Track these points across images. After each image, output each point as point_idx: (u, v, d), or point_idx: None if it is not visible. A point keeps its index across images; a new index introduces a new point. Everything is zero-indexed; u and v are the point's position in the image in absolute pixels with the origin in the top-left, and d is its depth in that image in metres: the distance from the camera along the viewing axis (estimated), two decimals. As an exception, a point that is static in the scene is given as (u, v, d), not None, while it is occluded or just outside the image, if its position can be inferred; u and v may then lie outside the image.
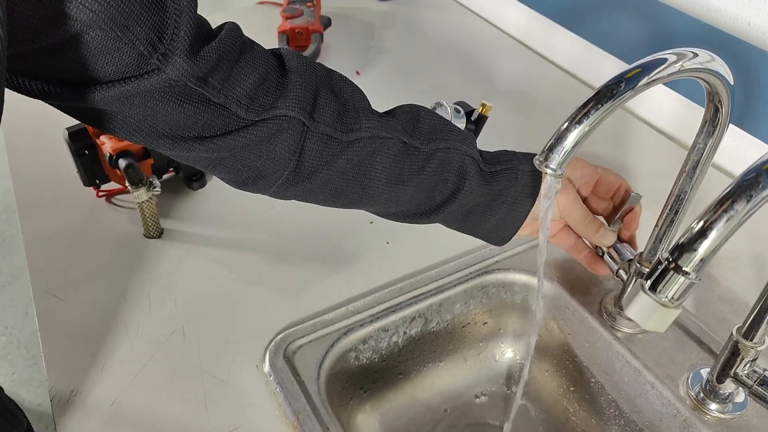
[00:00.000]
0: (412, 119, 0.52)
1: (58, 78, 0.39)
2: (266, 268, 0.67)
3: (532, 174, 0.54)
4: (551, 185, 0.45)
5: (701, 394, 0.55)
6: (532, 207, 0.54)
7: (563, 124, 0.41)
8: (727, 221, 0.34)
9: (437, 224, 0.58)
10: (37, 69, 0.38)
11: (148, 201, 0.68)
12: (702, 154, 0.49)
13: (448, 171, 0.52)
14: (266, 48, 0.48)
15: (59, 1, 0.33)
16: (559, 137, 0.41)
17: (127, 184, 0.67)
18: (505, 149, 0.57)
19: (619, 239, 0.60)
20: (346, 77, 0.51)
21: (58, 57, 0.37)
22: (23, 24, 0.33)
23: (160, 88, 0.40)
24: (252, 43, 0.46)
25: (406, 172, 0.51)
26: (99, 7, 0.34)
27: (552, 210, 0.48)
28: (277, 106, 0.45)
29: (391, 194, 0.52)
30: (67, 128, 0.69)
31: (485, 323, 0.70)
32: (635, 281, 0.57)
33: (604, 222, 0.59)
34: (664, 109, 0.90)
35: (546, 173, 0.41)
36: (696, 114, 0.85)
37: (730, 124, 0.47)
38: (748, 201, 0.34)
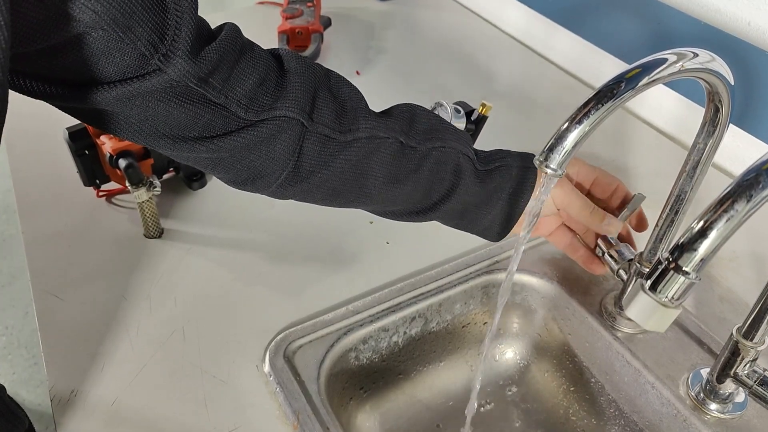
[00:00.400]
0: (408, 119, 0.52)
1: (60, 79, 0.39)
2: (266, 268, 0.67)
3: (526, 171, 0.55)
4: (546, 184, 0.45)
5: (701, 394, 0.55)
6: (527, 204, 0.55)
7: (563, 124, 0.41)
8: (727, 221, 0.34)
9: (437, 224, 0.58)
10: (39, 70, 0.38)
11: (148, 201, 0.68)
12: (702, 154, 0.49)
13: (443, 170, 0.53)
14: (265, 48, 0.48)
15: (62, 2, 0.33)
16: (559, 137, 0.41)
17: (127, 184, 0.67)
18: (500, 148, 0.57)
19: (620, 239, 0.60)
20: (343, 77, 0.51)
21: (60, 58, 0.37)
22: (26, 25, 0.33)
23: (162, 89, 0.40)
24: (251, 44, 0.46)
25: (403, 171, 0.52)
26: (101, 8, 0.35)
27: (540, 208, 0.48)
28: (276, 107, 0.45)
29: (388, 193, 0.52)
30: (67, 128, 0.69)
31: (485, 323, 0.70)
32: (635, 281, 0.57)
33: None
34: (664, 109, 0.90)
35: (546, 173, 0.41)
36: (696, 114, 0.85)
37: (730, 124, 0.47)
38: (748, 201, 0.34)
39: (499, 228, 0.57)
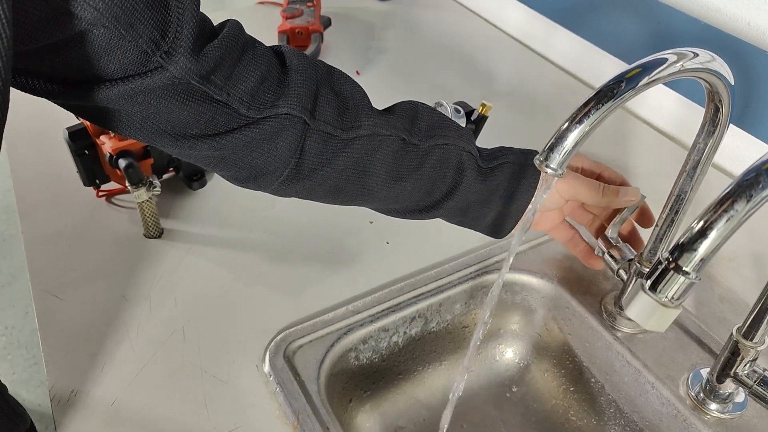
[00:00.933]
0: (410, 116, 0.52)
1: (62, 76, 0.39)
2: (266, 268, 0.67)
3: (529, 168, 0.55)
4: (546, 183, 0.45)
5: (701, 394, 0.55)
6: (530, 201, 0.55)
7: (564, 124, 0.41)
8: (727, 221, 0.34)
9: (437, 223, 0.58)
10: (41, 67, 0.38)
11: (148, 201, 0.68)
12: (702, 154, 0.49)
13: (446, 167, 0.53)
14: (267, 46, 0.48)
15: (63, 0, 0.33)
16: (560, 137, 0.41)
17: (127, 184, 0.67)
18: (502, 146, 0.57)
19: (623, 238, 0.60)
20: (346, 74, 0.51)
21: (62, 55, 0.37)
22: (28, 22, 0.33)
23: (164, 86, 0.40)
24: (254, 41, 0.46)
25: (405, 168, 0.52)
26: (103, 5, 0.35)
27: (536, 210, 0.48)
28: (278, 105, 0.45)
29: (390, 191, 0.52)
30: (67, 128, 0.69)
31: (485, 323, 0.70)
32: (635, 281, 0.57)
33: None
34: (664, 109, 0.90)
35: (546, 173, 0.41)
36: (696, 114, 0.85)
37: (730, 124, 0.47)
38: (748, 201, 0.34)
39: (503, 225, 0.57)
